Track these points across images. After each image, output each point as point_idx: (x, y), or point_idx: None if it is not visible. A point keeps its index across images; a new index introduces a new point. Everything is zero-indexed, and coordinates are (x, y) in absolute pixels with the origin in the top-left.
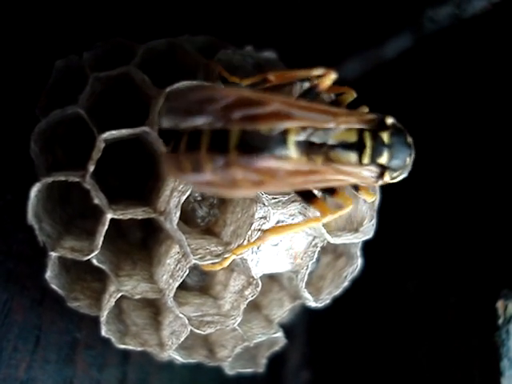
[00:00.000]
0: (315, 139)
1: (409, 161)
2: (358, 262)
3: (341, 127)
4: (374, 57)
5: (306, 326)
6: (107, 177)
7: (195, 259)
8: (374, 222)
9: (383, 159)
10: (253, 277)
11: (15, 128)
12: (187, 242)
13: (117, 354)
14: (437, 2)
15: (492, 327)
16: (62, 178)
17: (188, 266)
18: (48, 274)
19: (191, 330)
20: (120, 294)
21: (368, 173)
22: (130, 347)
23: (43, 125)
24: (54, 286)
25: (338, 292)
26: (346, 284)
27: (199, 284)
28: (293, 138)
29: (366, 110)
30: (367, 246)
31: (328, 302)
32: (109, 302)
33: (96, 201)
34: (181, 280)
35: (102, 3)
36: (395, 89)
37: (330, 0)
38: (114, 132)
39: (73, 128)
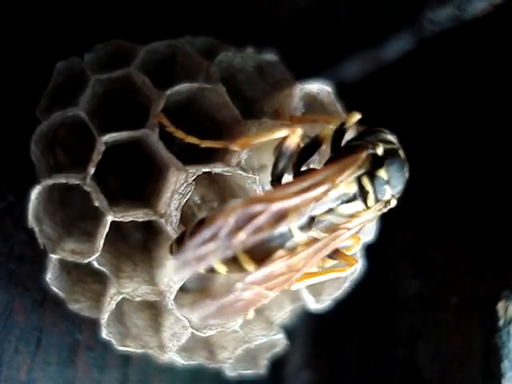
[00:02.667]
0: (317, 212)
1: (407, 175)
2: (359, 264)
3: (339, 187)
4: (373, 58)
5: (307, 327)
6: (107, 178)
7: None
8: (374, 223)
9: (387, 195)
10: None
11: (16, 129)
12: None
13: (118, 355)
14: (436, 3)
15: (493, 329)
16: (63, 181)
17: None
18: (49, 277)
19: (192, 332)
20: (121, 297)
21: (375, 210)
22: (131, 349)
23: (44, 127)
24: (54, 289)
25: (338, 293)
26: (346, 285)
27: (200, 286)
28: (296, 225)
29: (358, 116)
30: (368, 247)
31: (329, 303)
32: (110, 304)
33: (97, 203)
34: (182, 282)
35: (102, 4)
36: (396, 91)
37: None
38: (114, 135)
39: (74, 130)
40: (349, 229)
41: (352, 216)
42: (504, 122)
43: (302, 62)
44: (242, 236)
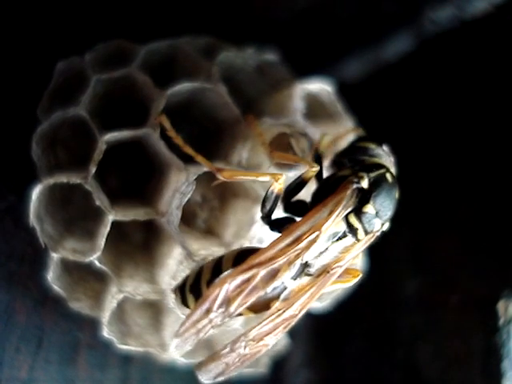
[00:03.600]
0: (308, 258)
1: (397, 197)
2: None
3: (328, 231)
4: (373, 58)
5: (308, 326)
6: (108, 177)
7: (196, 260)
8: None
9: (377, 226)
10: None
11: (17, 129)
12: (188, 244)
13: (119, 354)
14: (436, 3)
15: (493, 328)
16: (64, 180)
17: (190, 268)
18: (50, 275)
19: None
20: (122, 296)
21: (367, 240)
22: (132, 348)
23: (45, 127)
24: (55, 287)
25: (339, 292)
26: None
27: None
28: (288, 277)
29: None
30: (368, 247)
31: (329, 302)
32: (111, 303)
33: (98, 202)
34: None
35: (103, 4)
36: (396, 91)
37: (328, 0)
38: (115, 134)
39: (75, 129)
40: (341, 266)
41: (343, 252)
42: (504, 121)
43: (302, 61)
44: (236, 304)
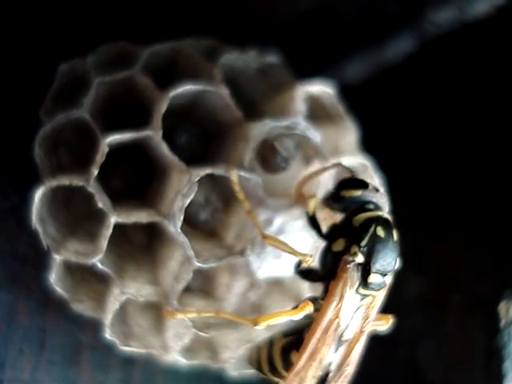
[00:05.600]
0: (338, 334)
1: (395, 240)
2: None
3: (346, 312)
4: (375, 59)
5: None
6: (110, 178)
7: (199, 262)
8: None
9: (387, 280)
10: (256, 279)
11: (20, 131)
12: (191, 245)
13: (121, 355)
14: (437, 5)
15: (494, 329)
16: (66, 183)
17: (192, 269)
18: (53, 277)
19: (195, 332)
20: (125, 297)
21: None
22: (134, 349)
23: (48, 129)
24: (58, 289)
25: None
26: None
27: (203, 285)
28: (330, 354)
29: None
30: None
31: None
32: (113, 304)
33: (100, 205)
34: (185, 283)
35: (105, 6)
36: (398, 92)
37: (330, 1)
38: (117, 136)
39: (77, 131)
40: (370, 321)
41: (368, 309)
42: (505, 122)
43: (304, 62)
44: None
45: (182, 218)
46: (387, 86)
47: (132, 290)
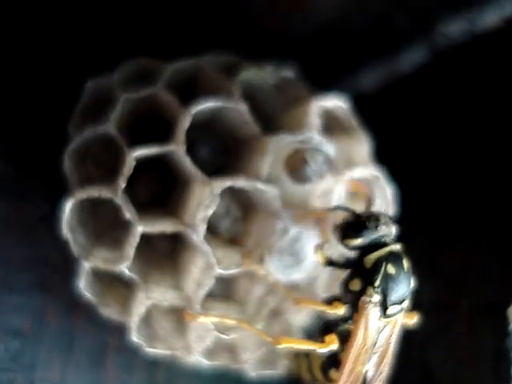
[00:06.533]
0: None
1: (406, 271)
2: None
3: (372, 339)
4: (389, 70)
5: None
6: (136, 188)
7: (220, 269)
8: None
9: (405, 305)
10: (274, 284)
11: (49, 143)
12: (213, 253)
13: (146, 357)
14: (448, 17)
15: (503, 333)
16: (95, 195)
17: (213, 276)
18: (82, 283)
19: (216, 335)
20: (150, 302)
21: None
22: (159, 351)
23: (77, 142)
24: (87, 294)
25: None
26: None
27: (223, 291)
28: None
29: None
30: None
31: None
32: (139, 308)
33: (127, 216)
34: (207, 288)
35: (125, 23)
36: (411, 102)
37: (342, 12)
38: (143, 151)
39: (104, 144)
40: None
41: (392, 327)
42: None
43: (319, 74)
44: None
45: (204, 227)
46: (401, 95)
47: (156, 294)
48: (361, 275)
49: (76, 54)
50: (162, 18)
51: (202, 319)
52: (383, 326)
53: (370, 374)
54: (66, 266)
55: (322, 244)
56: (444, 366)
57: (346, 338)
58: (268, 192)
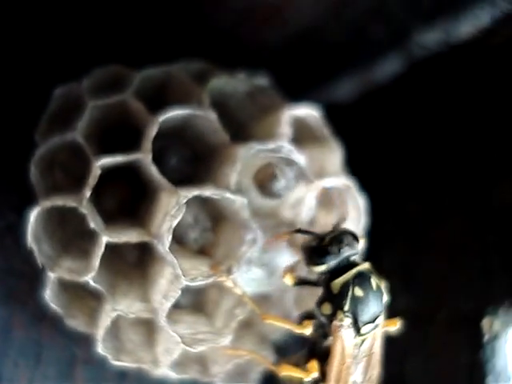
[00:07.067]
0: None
1: (375, 289)
2: None
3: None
4: (364, 80)
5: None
6: (103, 197)
7: (187, 280)
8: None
9: (380, 321)
10: (242, 296)
11: (16, 151)
12: (180, 264)
13: (115, 369)
14: (423, 27)
15: (478, 344)
16: (60, 204)
17: (180, 287)
18: (47, 294)
19: (184, 348)
20: (116, 314)
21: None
22: (126, 364)
23: (43, 150)
24: (53, 305)
25: None
26: None
27: (192, 302)
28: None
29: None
30: None
31: None
32: (105, 321)
33: (92, 225)
34: (173, 300)
35: (97, 29)
36: (387, 112)
37: (317, 22)
38: (109, 160)
39: (71, 152)
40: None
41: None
42: (490, 140)
43: (293, 84)
44: None
45: (170, 238)
46: (376, 105)
47: (122, 306)
48: (330, 300)
49: (45, 60)
50: (133, 27)
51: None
52: (361, 341)
53: (358, 381)
54: (33, 275)
55: (291, 266)
56: (420, 380)
57: (327, 355)
58: (236, 201)
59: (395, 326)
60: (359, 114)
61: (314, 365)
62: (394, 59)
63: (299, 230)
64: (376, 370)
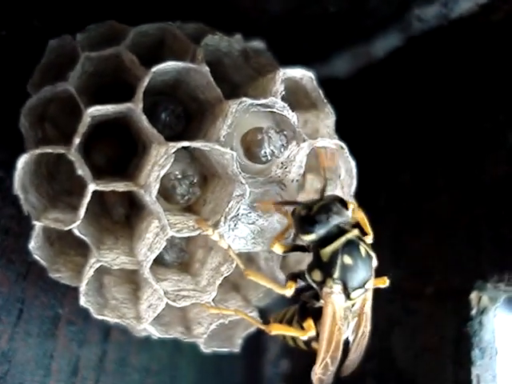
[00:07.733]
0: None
1: (364, 256)
2: None
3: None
4: (363, 54)
5: None
6: (94, 154)
7: (173, 231)
8: None
9: (369, 285)
10: (227, 250)
11: (6, 105)
12: (167, 218)
13: (98, 331)
14: (423, 1)
15: (465, 318)
16: (49, 150)
17: (165, 239)
18: (32, 245)
19: (167, 303)
20: (99, 264)
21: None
22: (108, 319)
23: (33, 100)
24: (36, 257)
25: None
26: None
27: (178, 261)
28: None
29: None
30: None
31: None
32: (89, 272)
33: (79, 172)
34: (158, 252)
35: None
36: (385, 86)
37: None
38: (99, 107)
39: (63, 105)
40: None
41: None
42: (484, 117)
43: (291, 57)
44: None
45: (157, 187)
46: (375, 79)
47: (107, 258)
48: (320, 267)
49: (41, 13)
50: None
51: (214, 311)
52: (352, 304)
53: (351, 339)
54: (19, 232)
55: (279, 234)
56: (406, 352)
57: (320, 314)
58: (226, 154)
59: (384, 284)
60: (356, 88)
61: (310, 323)
62: (393, 33)
63: (287, 202)
64: (367, 328)
